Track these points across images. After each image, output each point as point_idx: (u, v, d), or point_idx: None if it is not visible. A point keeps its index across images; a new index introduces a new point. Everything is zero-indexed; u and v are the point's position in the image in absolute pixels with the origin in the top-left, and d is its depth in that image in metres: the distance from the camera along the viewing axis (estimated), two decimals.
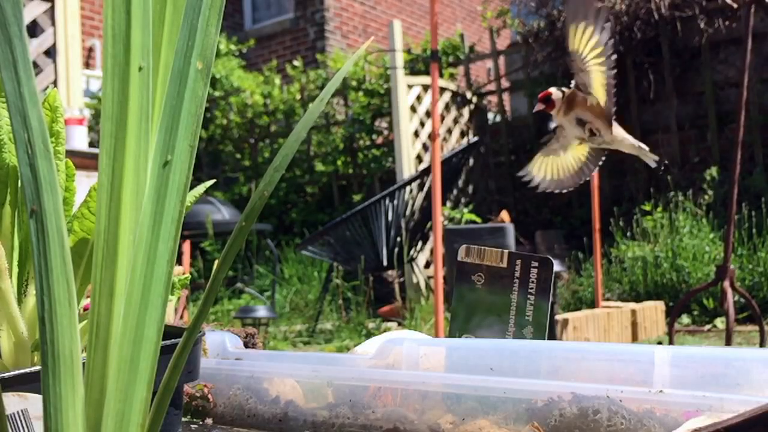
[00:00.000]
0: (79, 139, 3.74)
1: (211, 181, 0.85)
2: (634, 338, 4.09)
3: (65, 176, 0.70)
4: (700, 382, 0.66)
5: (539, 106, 1.47)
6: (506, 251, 0.90)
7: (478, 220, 5.64)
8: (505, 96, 7.57)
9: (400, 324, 4.75)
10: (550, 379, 0.72)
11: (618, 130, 1.47)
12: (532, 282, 0.88)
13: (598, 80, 1.40)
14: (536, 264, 0.88)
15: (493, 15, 7.27)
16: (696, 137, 6.30)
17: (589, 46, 1.36)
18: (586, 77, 1.41)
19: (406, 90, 6.12)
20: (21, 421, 0.55)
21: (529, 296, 0.88)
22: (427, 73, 6.60)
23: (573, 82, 1.46)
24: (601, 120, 1.44)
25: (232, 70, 7.99)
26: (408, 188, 5.25)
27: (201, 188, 0.77)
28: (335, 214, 6.80)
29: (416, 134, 6.28)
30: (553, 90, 1.46)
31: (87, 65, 7.75)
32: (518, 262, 0.89)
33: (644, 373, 0.68)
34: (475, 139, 6.57)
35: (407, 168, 5.96)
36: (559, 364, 0.73)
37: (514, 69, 7.34)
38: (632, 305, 4.26)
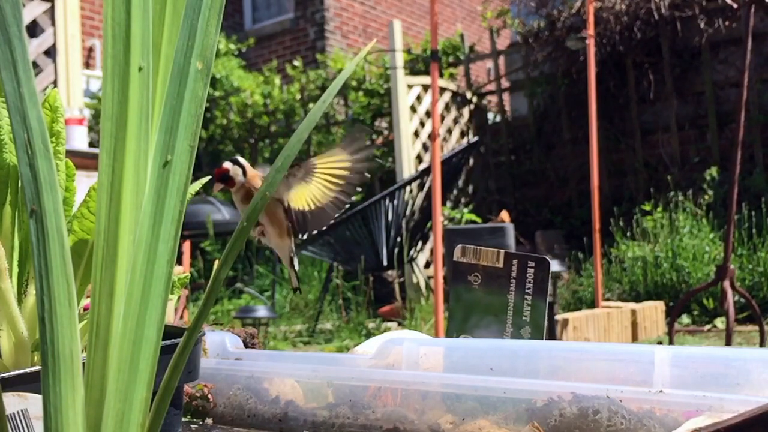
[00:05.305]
0: (79, 139, 3.74)
1: (207, 178, 0.85)
2: (634, 338, 4.09)
3: (65, 176, 0.70)
4: (700, 382, 0.65)
5: (218, 186, 1.26)
6: (502, 251, 0.89)
7: (478, 220, 5.64)
8: (505, 96, 7.57)
9: (400, 324, 4.75)
10: (550, 379, 0.72)
11: (286, 242, 1.28)
12: (529, 282, 0.88)
13: (313, 191, 1.23)
14: (533, 264, 0.88)
15: (493, 15, 7.27)
16: (696, 137, 6.30)
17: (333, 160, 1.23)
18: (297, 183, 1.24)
19: (406, 90, 6.12)
20: (21, 421, 0.54)
21: (526, 296, 0.88)
22: (427, 73, 6.59)
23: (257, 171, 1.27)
24: (275, 227, 1.26)
25: (232, 70, 7.98)
26: (408, 188, 5.24)
27: (197, 185, 0.77)
28: None
29: (416, 134, 6.27)
30: (229, 166, 1.24)
31: (87, 65, 7.74)
32: (514, 262, 0.88)
33: (644, 373, 0.68)
34: (475, 139, 6.57)
35: (407, 168, 5.96)
36: (559, 364, 0.73)
37: (514, 69, 7.34)
38: (632, 305, 4.26)
